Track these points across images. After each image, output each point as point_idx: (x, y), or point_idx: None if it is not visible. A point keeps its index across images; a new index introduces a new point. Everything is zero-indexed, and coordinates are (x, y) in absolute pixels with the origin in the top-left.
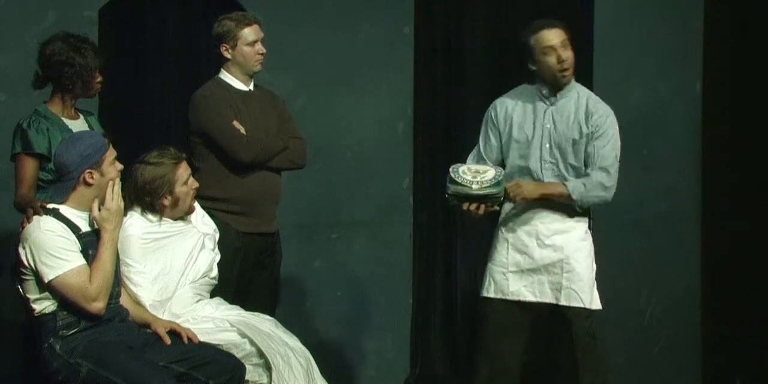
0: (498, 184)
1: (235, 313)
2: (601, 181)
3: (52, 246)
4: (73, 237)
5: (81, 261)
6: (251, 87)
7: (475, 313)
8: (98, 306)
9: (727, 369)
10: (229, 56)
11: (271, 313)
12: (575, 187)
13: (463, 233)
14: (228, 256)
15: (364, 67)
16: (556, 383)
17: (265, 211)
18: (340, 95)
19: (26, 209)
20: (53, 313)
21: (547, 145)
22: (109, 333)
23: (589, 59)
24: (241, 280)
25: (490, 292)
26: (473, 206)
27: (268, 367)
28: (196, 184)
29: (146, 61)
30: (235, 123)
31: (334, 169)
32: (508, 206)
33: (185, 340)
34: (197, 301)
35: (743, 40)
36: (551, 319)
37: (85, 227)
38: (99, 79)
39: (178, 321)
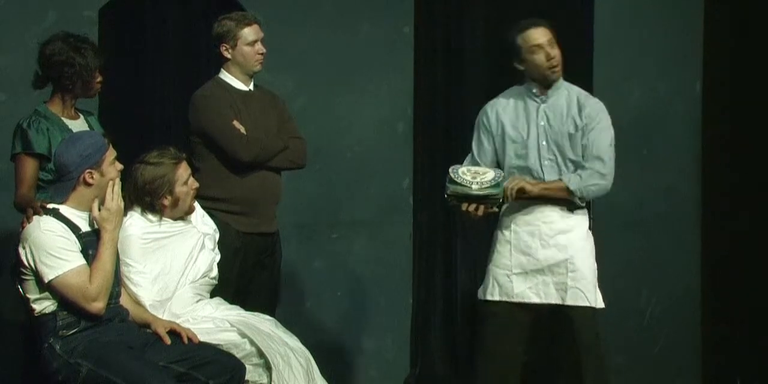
0: (498, 185)
1: (235, 313)
2: (597, 170)
3: (52, 246)
4: (73, 237)
5: (81, 261)
6: (251, 87)
7: (475, 313)
8: (98, 306)
9: (727, 369)
10: (229, 56)
11: (271, 313)
12: (572, 179)
13: (463, 233)
14: (228, 256)
15: (364, 67)
16: (556, 383)
17: (265, 211)
18: (340, 95)
19: (26, 209)
20: (53, 313)
21: (544, 143)
22: (109, 333)
23: (589, 59)
24: (241, 280)
25: (494, 295)
26: (472, 207)
27: (268, 367)
28: (196, 184)
29: (146, 61)
30: (235, 123)
31: (334, 169)
32: (507, 208)
33: (185, 340)
34: (197, 301)
35: (743, 40)
36: (552, 319)
37: (85, 227)
38: (99, 79)
39: (178, 321)
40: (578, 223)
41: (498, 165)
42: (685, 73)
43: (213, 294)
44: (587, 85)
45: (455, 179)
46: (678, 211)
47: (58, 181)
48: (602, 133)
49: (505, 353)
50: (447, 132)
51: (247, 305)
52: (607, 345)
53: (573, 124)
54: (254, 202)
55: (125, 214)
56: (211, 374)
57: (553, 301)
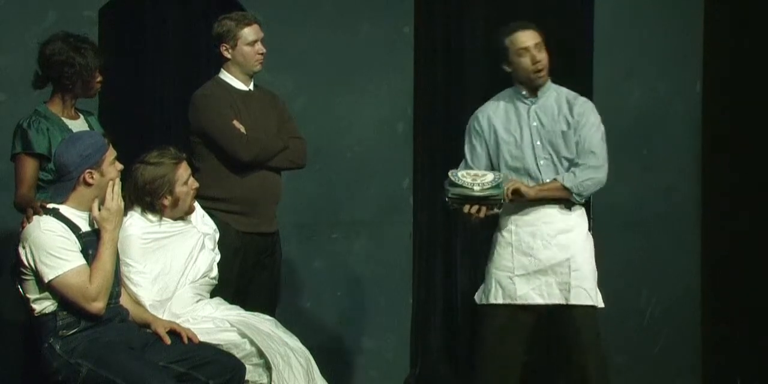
0: (498, 186)
1: (235, 313)
2: (590, 164)
3: (52, 246)
4: (73, 237)
5: (81, 261)
6: (251, 87)
7: (475, 313)
8: (98, 306)
9: (727, 369)
10: (229, 56)
11: (271, 313)
12: (566, 177)
13: (463, 233)
14: (228, 256)
15: (364, 67)
16: (556, 383)
17: (265, 210)
18: (340, 95)
19: (26, 209)
20: (53, 313)
21: (538, 143)
22: (109, 333)
23: (589, 59)
24: (241, 280)
25: (498, 298)
26: (474, 208)
27: (268, 367)
28: (196, 184)
29: (146, 61)
30: (235, 123)
31: (334, 169)
32: (506, 209)
33: (185, 340)
34: (197, 301)
35: (743, 40)
36: (551, 319)
37: (85, 227)
38: (99, 79)
39: (178, 321)
40: (578, 223)
41: (492, 170)
42: (685, 73)
43: (213, 294)
44: (587, 85)
45: (456, 182)
46: (678, 211)
47: (58, 181)
48: (593, 129)
49: (506, 354)
50: (447, 132)
51: (247, 305)
52: (607, 345)
53: (565, 122)
54: (254, 202)
55: (125, 214)
56: (211, 374)
57: (556, 302)
